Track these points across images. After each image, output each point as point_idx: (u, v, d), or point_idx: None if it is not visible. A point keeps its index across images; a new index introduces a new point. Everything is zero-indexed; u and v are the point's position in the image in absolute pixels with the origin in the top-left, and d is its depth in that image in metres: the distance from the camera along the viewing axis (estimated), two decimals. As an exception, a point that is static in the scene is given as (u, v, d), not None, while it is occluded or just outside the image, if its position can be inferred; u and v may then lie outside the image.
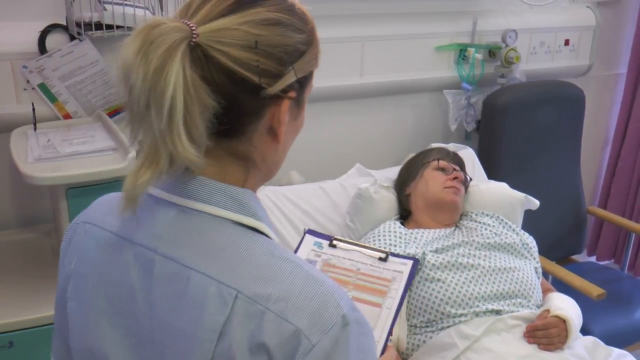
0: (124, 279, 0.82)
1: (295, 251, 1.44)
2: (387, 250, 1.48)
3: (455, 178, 1.98)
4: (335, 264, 1.44)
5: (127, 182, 0.74)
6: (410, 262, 1.45)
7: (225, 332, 0.74)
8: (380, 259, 1.45)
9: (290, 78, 0.79)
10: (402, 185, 2.06)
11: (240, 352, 0.73)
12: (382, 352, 1.36)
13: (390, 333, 1.39)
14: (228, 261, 0.76)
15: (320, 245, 1.46)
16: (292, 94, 0.80)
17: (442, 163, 2.03)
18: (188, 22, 0.73)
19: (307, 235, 1.50)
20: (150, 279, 0.80)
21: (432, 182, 1.98)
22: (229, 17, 0.75)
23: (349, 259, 1.45)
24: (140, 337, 0.81)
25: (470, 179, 2.11)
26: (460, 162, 2.11)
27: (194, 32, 0.73)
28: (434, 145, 2.30)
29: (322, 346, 0.73)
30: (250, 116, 0.78)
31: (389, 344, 1.40)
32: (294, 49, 0.79)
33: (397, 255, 1.47)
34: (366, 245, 1.50)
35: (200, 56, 0.73)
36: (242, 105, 0.77)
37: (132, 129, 0.76)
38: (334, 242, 1.48)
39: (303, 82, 0.82)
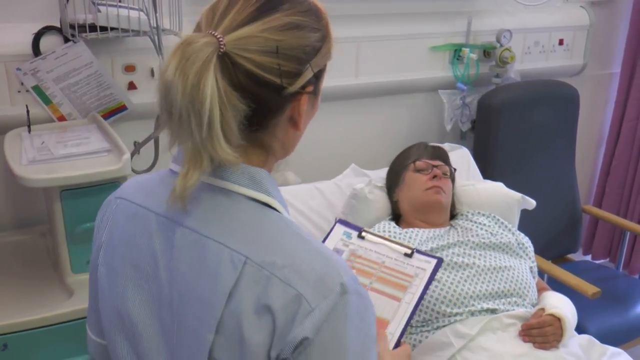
0: (148, 247, 0.92)
1: (325, 239, 1.46)
2: (412, 246, 1.50)
3: (434, 176, 1.95)
4: (362, 255, 1.47)
5: (178, 185, 0.83)
6: (434, 261, 1.47)
7: (233, 294, 0.83)
8: (406, 254, 1.47)
9: (308, 75, 0.87)
10: (389, 191, 2.05)
11: (246, 312, 0.82)
12: (397, 346, 1.37)
13: (406, 328, 1.39)
14: (241, 231, 0.86)
15: (349, 236, 1.49)
16: (310, 88, 0.89)
17: (419, 164, 2.00)
18: (215, 33, 0.81)
19: (337, 224, 1.52)
20: (172, 247, 0.89)
21: (413, 186, 1.96)
22: (251, 25, 0.83)
23: (375, 252, 1.48)
24: (161, 300, 0.91)
25: (455, 170, 2.08)
26: (440, 155, 2.07)
27: (221, 42, 0.81)
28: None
29: (321, 310, 0.81)
30: (273, 112, 0.87)
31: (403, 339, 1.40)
32: (311, 48, 0.87)
33: (423, 253, 1.50)
34: (394, 240, 1.52)
35: (227, 63, 0.81)
36: (267, 104, 0.85)
37: (171, 135, 0.84)
38: (363, 233, 1.50)
39: (319, 75, 0.91)
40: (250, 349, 0.83)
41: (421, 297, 1.44)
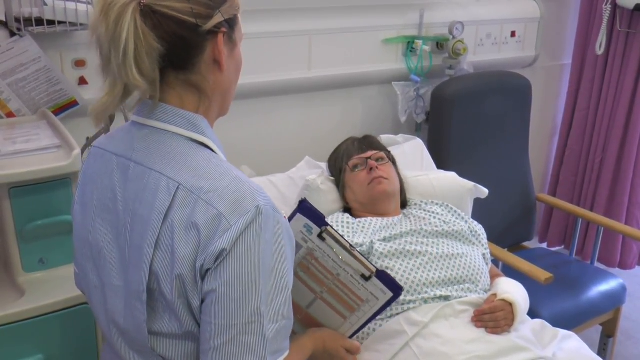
0: (110, 183, 1.12)
1: None
2: (374, 267, 1.35)
3: (371, 169, 1.94)
4: (319, 259, 1.36)
5: (92, 106, 1.05)
6: (389, 295, 1.36)
7: (168, 214, 1.02)
8: (363, 276, 1.35)
9: (219, 18, 1.05)
10: (340, 192, 2.05)
11: (178, 229, 1.01)
12: None
13: None
14: (176, 163, 1.05)
15: (310, 231, 1.34)
16: (224, 29, 1.06)
17: (352, 162, 2.00)
18: None
19: (298, 214, 1.35)
20: (126, 180, 1.09)
21: (355, 186, 1.97)
22: None
23: (332, 260, 1.35)
24: (119, 228, 1.10)
25: (389, 152, 2.06)
26: (370, 144, 2.06)
27: None
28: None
29: (238, 226, 0.99)
30: (195, 49, 1.05)
31: None
32: None
33: (384, 279, 1.35)
34: (357, 253, 1.35)
35: (149, 12, 0.99)
36: (187, 40, 1.03)
37: (103, 73, 1.04)
38: (324, 234, 1.35)
39: (231, 23, 1.09)
40: (180, 260, 1.00)
41: (364, 325, 1.40)
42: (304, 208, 1.35)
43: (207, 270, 1.00)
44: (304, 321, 1.41)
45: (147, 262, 1.04)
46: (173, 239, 1.01)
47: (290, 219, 1.33)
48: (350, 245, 1.34)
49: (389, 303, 1.36)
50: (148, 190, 1.05)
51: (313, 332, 1.37)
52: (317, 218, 1.35)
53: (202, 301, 1.03)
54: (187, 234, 1.00)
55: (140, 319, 1.08)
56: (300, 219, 1.35)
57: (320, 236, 1.34)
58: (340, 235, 1.34)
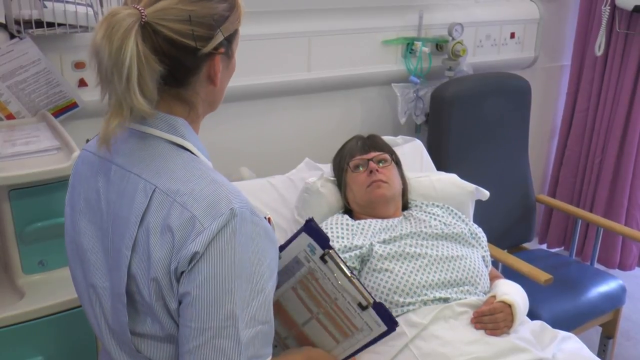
0: (95, 185, 1.13)
1: (288, 242, 1.34)
2: (372, 299, 1.34)
3: (371, 171, 1.93)
4: (319, 279, 1.35)
5: (102, 129, 1.02)
6: (384, 328, 1.35)
7: (145, 216, 1.03)
8: (360, 305, 1.34)
9: (218, 38, 1.05)
10: (341, 192, 2.05)
11: (154, 231, 1.02)
12: None
13: None
14: (155, 166, 1.06)
15: (313, 251, 1.34)
16: (222, 50, 1.07)
17: (353, 162, 1.99)
18: (137, 7, 0.99)
19: (303, 233, 1.35)
20: (108, 182, 1.11)
21: (354, 186, 1.96)
22: None
23: (332, 284, 1.35)
24: (103, 229, 1.12)
25: (394, 153, 2.07)
26: (374, 145, 2.05)
27: (143, 13, 0.99)
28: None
29: (211, 229, 0.99)
30: (191, 70, 1.06)
31: None
32: (220, 16, 1.05)
33: (380, 312, 1.35)
34: (356, 282, 1.34)
35: (149, 31, 0.99)
36: (185, 63, 1.04)
37: (102, 90, 1.02)
38: (326, 257, 1.34)
39: (230, 39, 1.09)
40: (155, 263, 1.01)
41: (356, 352, 1.39)
42: (310, 228, 1.35)
43: (182, 273, 1.00)
44: (298, 338, 1.42)
45: (125, 265, 1.04)
46: (149, 242, 1.02)
47: (295, 236, 1.34)
48: (351, 272, 1.34)
49: (382, 336, 1.36)
50: (127, 193, 1.06)
51: (307, 350, 1.36)
52: (322, 239, 1.35)
53: (180, 303, 1.03)
54: (162, 237, 1.01)
55: (123, 320, 1.08)
56: (305, 237, 1.35)
57: (322, 258, 1.34)
58: (343, 261, 1.34)
